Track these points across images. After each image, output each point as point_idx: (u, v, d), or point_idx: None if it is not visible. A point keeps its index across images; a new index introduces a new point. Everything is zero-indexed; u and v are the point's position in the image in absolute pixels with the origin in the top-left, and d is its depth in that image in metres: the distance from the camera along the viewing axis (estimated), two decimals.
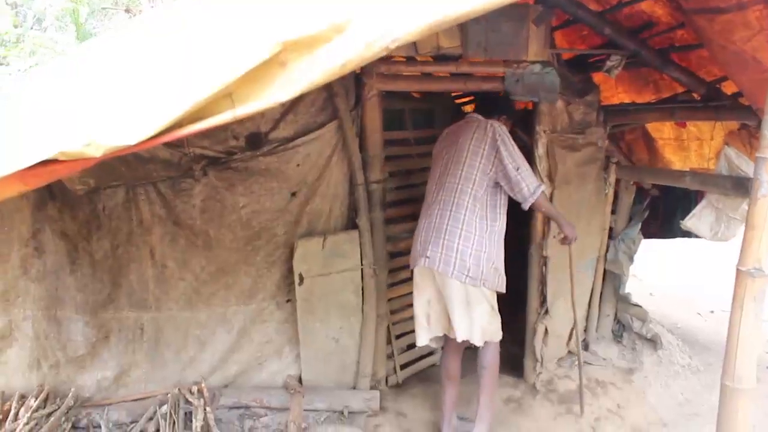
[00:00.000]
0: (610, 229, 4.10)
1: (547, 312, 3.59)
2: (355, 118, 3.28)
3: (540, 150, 3.42)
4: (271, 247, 3.29)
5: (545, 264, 3.53)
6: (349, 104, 3.26)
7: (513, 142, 2.86)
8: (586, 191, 3.73)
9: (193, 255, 3.20)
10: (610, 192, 4.00)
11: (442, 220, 2.85)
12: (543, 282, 3.57)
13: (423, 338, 3.01)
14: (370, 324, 3.44)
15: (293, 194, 3.27)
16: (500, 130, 2.89)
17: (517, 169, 2.81)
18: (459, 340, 2.86)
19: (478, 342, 2.88)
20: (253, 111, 1.39)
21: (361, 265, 3.36)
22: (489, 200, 2.86)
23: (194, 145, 3.06)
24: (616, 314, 4.24)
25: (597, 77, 3.85)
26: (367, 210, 3.32)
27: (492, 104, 3.19)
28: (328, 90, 3.20)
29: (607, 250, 4.09)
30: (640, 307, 4.14)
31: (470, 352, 3.13)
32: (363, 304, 3.42)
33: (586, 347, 4.14)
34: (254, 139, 3.18)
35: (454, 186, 2.87)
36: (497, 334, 2.94)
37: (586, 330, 4.19)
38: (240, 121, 3.16)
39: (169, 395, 3.14)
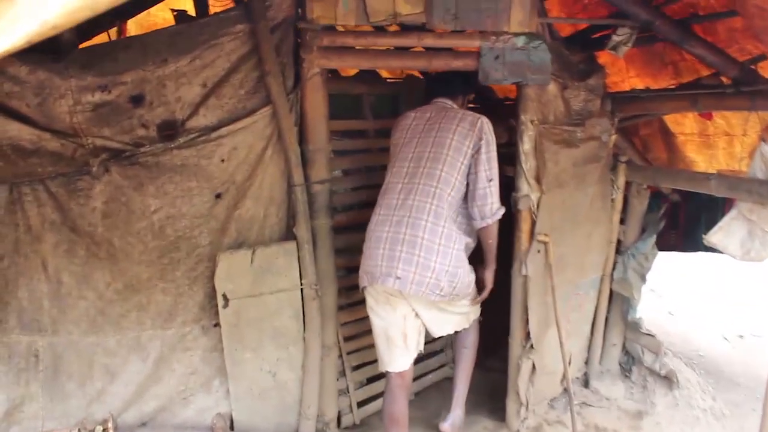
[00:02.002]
0: (618, 242, 3.41)
1: (533, 346, 2.92)
2: (294, 103, 2.66)
3: (525, 145, 2.76)
4: (192, 260, 2.71)
5: (527, 285, 2.87)
6: (287, 86, 2.65)
7: (495, 147, 2.50)
8: (586, 196, 3.05)
9: (94, 269, 2.63)
10: (619, 197, 3.32)
11: (416, 232, 2.42)
12: (526, 308, 2.91)
13: (404, 361, 2.60)
14: (314, 355, 2.83)
15: (218, 196, 2.68)
16: (488, 127, 2.54)
17: (490, 181, 2.47)
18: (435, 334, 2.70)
19: (454, 330, 2.74)
20: None
21: (301, 284, 2.74)
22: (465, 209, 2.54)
23: (92, 134, 2.48)
24: (624, 344, 3.55)
25: (603, 57, 3.17)
26: (307, 217, 2.71)
27: (455, 79, 2.62)
28: (261, 69, 2.59)
29: (614, 268, 3.41)
30: (653, 336, 3.45)
31: None
32: (304, 331, 2.81)
33: (586, 383, 3.47)
34: (168, 127, 2.59)
35: (430, 189, 2.45)
36: (477, 311, 2.79)
37: (587, 362, 3.51)
38: (150, 106, 2.59)
39: None
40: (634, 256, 3.39)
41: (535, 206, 2.81)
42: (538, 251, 2.85)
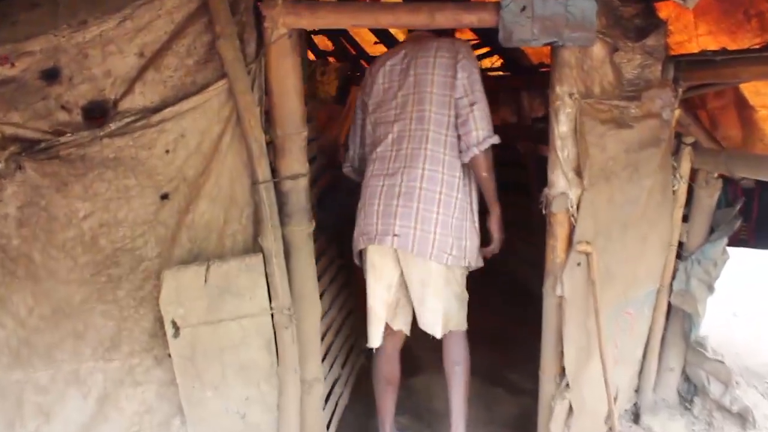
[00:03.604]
0: (680, 245, 2.72)
1: (569, 384, 2.29)
2: (256, 75, 2.05)
3: (561, 127, 2.10)
4: (137, 277, 2.17)
5: (563, 308, 2.23)
6: (247, 53, 2.04)
7: (477, 68, 2.28)
8: (641, 190, 2.38)
9: (12, 291, 2.12)
10: (682, 189, 2.63)
11: (412, 182, 2.24)
12: (561, 337, 2.27)
13: (379, 336, 2.44)
14: (292, 392, 2.26)
15: (164, 197, 2.12)
16: (466, 48, 2.31)
17: (472, 105, 2.23)
18: (431, 332, 2.38)
19: (440, 333, 2.38)
20: None
21: (270, 308, 2.15)
22: None
23: None
24: (684, 369, 2.88)
25: (665, 9, 2.45)
26: (276, 222, 2.11)
27: None
28: (213, 31, 1.98)
29: (673, 277, 2.72)
30: (722, 363, 2.76)
31: None
32: (278, 364, 2.23)
33: (636, 418, 2.82)
34: (96, 110, 2.02)
35: (423, 134, 2.25)
36: (464, 322, 2.48)
37: (638, 390, 2.86)
38: (69, 83, 2.01)
39: None
40: (699, 262, 2.70)
41: (575, 206, 2.15)
42: (578, 264, 2.20)
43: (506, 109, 4.15)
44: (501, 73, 3.94)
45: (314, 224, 2.21)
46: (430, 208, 2.22)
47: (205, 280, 2.09)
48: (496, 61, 3.93)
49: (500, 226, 2.38)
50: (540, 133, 3.87)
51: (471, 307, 2.51)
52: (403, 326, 2.48)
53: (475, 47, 4.20)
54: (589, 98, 2.12)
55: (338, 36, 5.59)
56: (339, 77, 5.25)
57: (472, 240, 2.34)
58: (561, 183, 2.14)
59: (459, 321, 2.44)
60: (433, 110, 2.24)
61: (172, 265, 2.15)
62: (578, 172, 2.14)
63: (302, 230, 2.14)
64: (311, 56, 6.14)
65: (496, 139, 2.27)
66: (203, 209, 2.14)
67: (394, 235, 2.23)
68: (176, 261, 2.16)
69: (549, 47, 2.09)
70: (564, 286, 2.19)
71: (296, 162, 2.08)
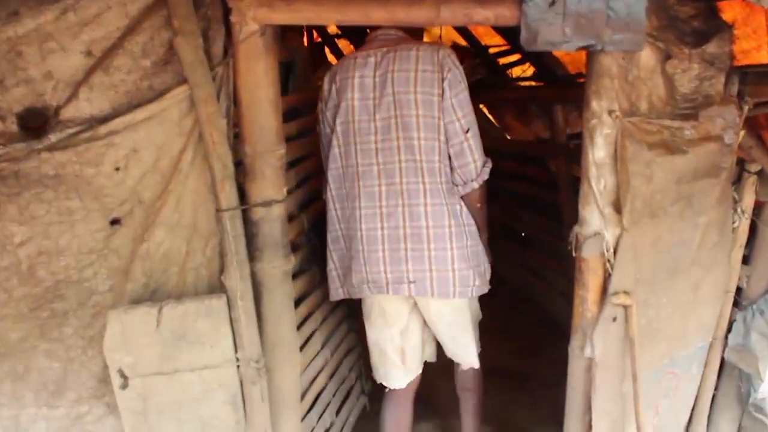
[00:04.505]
0: (738, 291, 2.27)
1: None
2: (223, 81, 1.70)
3: (598, 151, 1.69)
4: (87, 313, 1.87)
5: (593, 372, 1.81)
6: (212, 54, 1.69)
7: (465, 82, 1.97)
8: (695, 229, 1.94)
9: None
10: (743, 226, 2.18)
11: (416, 221, 2.01)
12: (590, 405, 1.85)
13: (401, 380, 2.24)
14: None
15: (115, 222, 1.79)
16: (452, 58, 1.98)
17: (466, 132, 1.98)
18: (467, 365, 2.28)
19: (477, 362, 2.27)
20: None
21: (236, 358, 1.79)
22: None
23: None
24: None
25: (730, 10, 2.01)
26: (244, 257, 1.75)
27: None
28: (172, 26, 1.64)
29: (729, 329, 2.27)
30: None
31: None
32: (246, 423, 1.87)
33: None
34: (34, 119, 1.70)
35: (415, 165, 1.99)
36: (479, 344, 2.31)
37: None
38: (1, 85, 1.69)
39: None
40: (761, 312, 2.24)
41: (611, 250, 1.74)
42: (614, 320, 1.79)
43: (538, 123, 3.73)
44: (533, 83, 3.54)
45: (292, 261, 1.85)
46: (442, 246, 2.01)
47: (158, 324, 1.75)
48: (527, 69, 3.52)
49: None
50: (575, 151, 3.50)
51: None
52: (419, 368, 2.29)
53: (504, 54, 3.79)
54: (633, 117, 1.70)
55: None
56: None
57: (486, 260, 2.18)
58: (595, 221, 1.72)
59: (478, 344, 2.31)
60: (422, 137, 1.96)
61: (126, 302, 1.83)
62: (617, 208, 1.72)
63: (275, 268, 1.78)
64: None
65: (489, 165, 2.05)
66: (161, 238, 1.81)
67: (410, 282, 2.03)
68: (130, 297, 1.84)
69: (585, 52, 1.69)
70: (595, 347, 1.77)
71: (269, 186, 1.73)
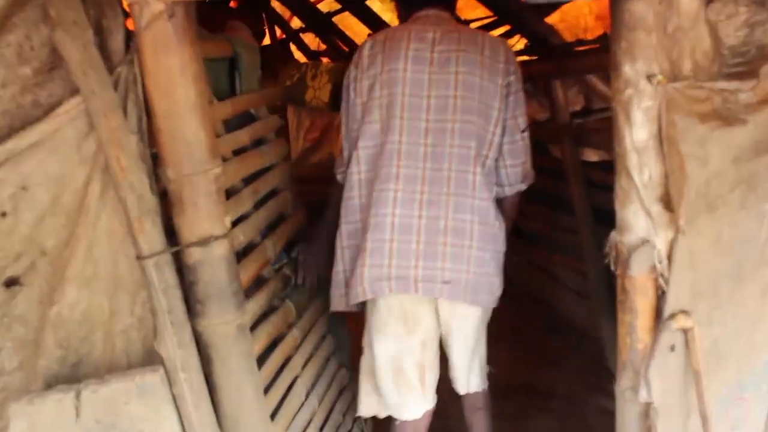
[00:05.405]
0: None
1: None
2: (130, 85, 1.27)
3: (638, 131, 1.27)
4: None
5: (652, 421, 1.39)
6: (111, 50, 1.26)
7: None
8: (761, 219, 1.53)
9: None
10: None
11: (461, 214, 1.83)
12: None
13: (418, 407, 1.98)
14: None
15: (12, 283, 1.37)
16: (515, 57, 1.95)
17: (523, 131, 1.92)
18: (478, 388, 2.07)
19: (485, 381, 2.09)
20: None
21: None
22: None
23: None
24: None
25: None
26: (181, 317, 1.33)
27: None
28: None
29: None
30: None
31: None
32: None
33: None
34: None
35: (467, 152, 1.84)
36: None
37: None
38: None
39: None
40: None
41: (664, 261, 1.32)
42: (671, 349, 1.37)
43: (533, 103, 3.32)
44: (526, 57, 3.13)
45: (248, 311, 1.43)
46: (482, 245, 1.87)
47: (78, 414, 1.32)
48: (518, 41, 3.13)
49: None
50: (580, 131, 3.11)
51: (503, 349, 2.26)
52: (434, 396, 2.03)
53: (490, 27, 3.37)
54: (677, 81, 1.28)
55: (329, 33, 4.86)
56: (332, 80, 4.45)
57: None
58: (640, 225, 1.30)
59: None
60: (480, 124, 1.85)
61: (40, 381, 1.41)
62: (667, 205, 1.30)
63: (225, 324, 1.35)
64: (303, 59, 5.42)
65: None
66: (75, 297, 1.38)
67: (444, 282, 1.83)
68: (44, 376, 1.41)
69: (601, 2, 1.27)
70: (652, 388, 1.35)
71: (204, 218, 1.30)
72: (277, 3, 4.97)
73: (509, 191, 1.96)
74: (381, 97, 1.86)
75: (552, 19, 3.13)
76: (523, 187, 1.98)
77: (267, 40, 5.38)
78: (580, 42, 2.84)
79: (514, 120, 1.91)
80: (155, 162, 1.31)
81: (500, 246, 1.93)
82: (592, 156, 3.06)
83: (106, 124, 1.21)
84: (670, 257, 1.33)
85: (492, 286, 1.92)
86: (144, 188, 1.25)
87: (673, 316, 1.36)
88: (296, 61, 5.19)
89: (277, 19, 5.33)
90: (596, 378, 2.87)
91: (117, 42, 1.26)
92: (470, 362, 2.04)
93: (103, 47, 1.25)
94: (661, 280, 1.34)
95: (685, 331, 1.39)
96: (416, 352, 1.93)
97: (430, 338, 1.96)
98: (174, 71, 1.22)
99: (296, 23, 5.42)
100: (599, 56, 2.58)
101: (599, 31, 3.39)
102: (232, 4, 4.98)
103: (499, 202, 1.96)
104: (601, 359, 2.92)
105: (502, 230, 1.94)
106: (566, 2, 1.53)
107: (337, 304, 1.98)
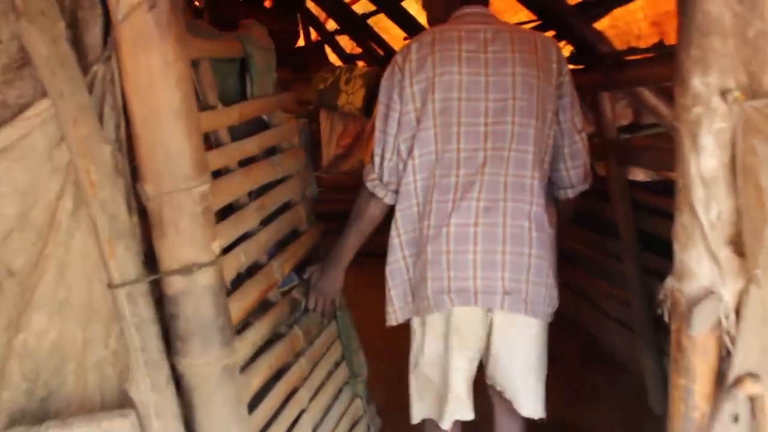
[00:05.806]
0: None
1: None
2: (107, 87, 1.11)
3: (707, 159, 1.04)
4: None
5: None
6: (87, 45, 1.10)
7: None
8: None
9: None
10: None
11: (519, 221, 1.79)
12: None
13: (461, 415, 1.91)
14: None
15: None
16: (566, 59, 1.92)
17: (580, 132, 1.91)
18: (534, 414, 1.92)
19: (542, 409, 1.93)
20: None
21: None
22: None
23: None
24: None
25: None
26: (160, 354, 1.16)
27: None
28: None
29: None
30: None
31: None
32: None
33: None
34: None
35: (525, 156, 1.79)
36: None
37: None
38: None
39: None
40: None
41: (731, 316, 1.09)
42: (735, 420, 1.13)
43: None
44: (572, 66, 2.91)
45: (238, 349, 1.24)
46: (542, 254, 1.82)
47: None
48: (563, 47, 2.91)
49: None
50: (627, 148, 2.86)
51: None
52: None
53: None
54: (759, 99, 1.05)
55: (364, 36, 4.70)
56: (366, 85, 4.31)
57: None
58: (704, 272, 1.07)
59: None
60: (539, 126, 1.82)
61: (4, 417, 1.26)
62: (739, 248, 1.07)
63: (209, 365, 1.18)
64: (337, 62, 5.28)
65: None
66: (43, 324, 1.22)
67: (505, 293, 1.78)
68: (8, 411, 1.26)
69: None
70: None
71: (187, 243, 1.12)
72: (312, 4, 4.84)
73: (572, 193, 1.96)
74: (435, 101, 1.80)
75: (601, 24, 2.91)
76: (585, 187, 1.97)
77: (301, 42, 5.27)
78: (633, 50, 2.61)
79: (571, 121, 1.89)
80: (135, 177, 1.15)
81: (555, 254, 1.89)
82: (639, 175, 2.82)
83: (76, 132, 1.05)
84: (738, 311, 1.10)
85: (552, 298, 1.87)
86: (117, 207, 1.09)
87: (739, 380, 1.12)
88: (331, 64, 5.04)
89: (312, 21, 5.21)
90: (636, 419, 2.65)
91: (94, 36, 1.10)
92: (536, 383, 1.93)
93: (78, 42, 1.09)
94: (726, 339, 1.11)
95: (753, 399, 1.16)
96: (465, 369, 1.89)
97: (480, 351, 1.92)
98: (154, 71, 1.05)
99: (332, 25, 5.29)
100: (653, 67, 2.39)
101: (654, 39, 3.14)
102: (266, 3, 4.90)
103: (557, 204, 1.97)
104: (642, 397, 2.72)
105: (554, 238, 1.90)
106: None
107: (400, 316, 1.91)
